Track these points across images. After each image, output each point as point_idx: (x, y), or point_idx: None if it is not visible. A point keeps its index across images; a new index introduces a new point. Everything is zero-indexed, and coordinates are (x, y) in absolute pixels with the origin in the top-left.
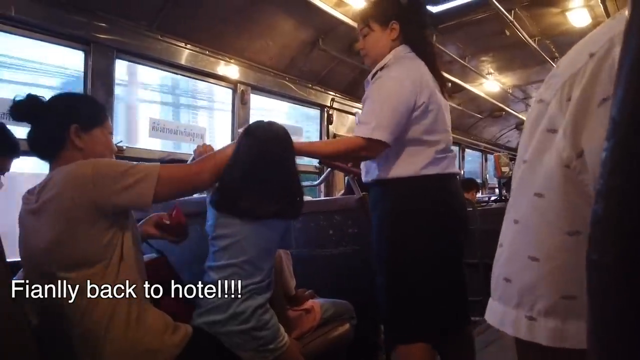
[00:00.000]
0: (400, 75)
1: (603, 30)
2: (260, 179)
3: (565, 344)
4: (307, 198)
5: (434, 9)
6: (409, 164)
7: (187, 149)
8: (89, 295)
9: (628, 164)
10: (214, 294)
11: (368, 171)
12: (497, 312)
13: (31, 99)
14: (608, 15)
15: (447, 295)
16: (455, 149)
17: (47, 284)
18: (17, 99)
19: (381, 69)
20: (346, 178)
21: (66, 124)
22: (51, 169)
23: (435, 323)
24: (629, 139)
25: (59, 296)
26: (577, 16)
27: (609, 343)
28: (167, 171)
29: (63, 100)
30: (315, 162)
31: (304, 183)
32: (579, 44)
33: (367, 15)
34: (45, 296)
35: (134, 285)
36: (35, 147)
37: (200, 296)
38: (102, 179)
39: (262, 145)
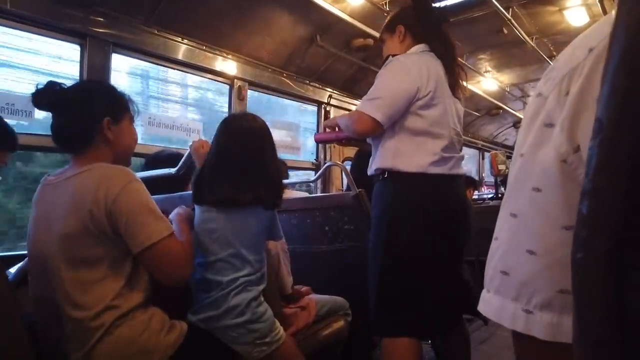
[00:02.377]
0: (407, 62)
1: (603, 26)
2: (233, 169)
3: (561, 338)
4: (303, 194)
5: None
6: (416, 158)
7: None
8: (87, 292)
9: (613, 163)
10: (206, 290)
11: (375, 161)
12: (494, 305)
13: (55, 85)
14: (605, 14)
15: (437, 294)
16: (460, 149)
17: (48, 277)
18: (40, 86)
19: (393, 56)
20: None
21: (99, 116)
22: (77, 160)
23: (421, 319)
24: (614, 138)
25: (57, 290)
26: (575, 15)
27: (594, 341)
28: (168, 245)
29: (92, 90)
30: (312, 158)
31: (301, 179)
32: (578, 39)
33: (381, 32)
34: (43, 290)
35: (133, 286)
36: (63, 139)
37: (194, 293)
38: (120, 205)
39: (235, 136)
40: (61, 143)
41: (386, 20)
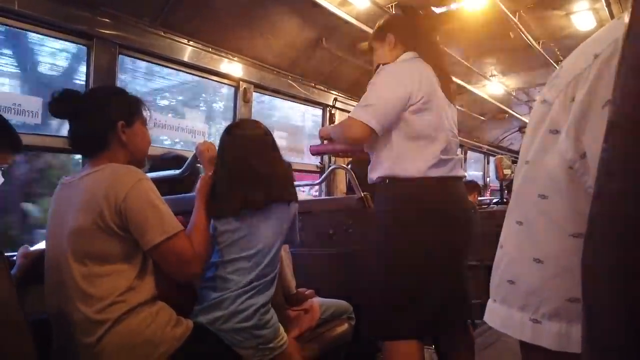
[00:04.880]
0: (397, 70)
1: (608, 31)
2: (245, 177)
3: (570, 349)
4: (307, 197)
5: (437, 10)
6: (416, 163)
7: None
8: (96, 286)
9: (624, 168)
10: (215, 289)
11: (375, 169)
12: (499, 315)
13: (71, 94)
14: (613, 18)
15: (438, 297)
16: (458, 150)
17: (61, 271)
18: (56, 94)
19: (384, 64)
20: (348, 178)
21: (113, 121)
22: (92, 162)
23: (423, 322)
24: (626, 142)
25: (68, 283)
26: (582, 19)
27: (602, 348)
28: (176, 243)
29: (105, 96)
30: (316, 161)
31: (305, 182)
32: (583, 45)
33: (369, 40)
34: (57, 284)
35: (142, 282)
36: (80, 144)
37: (201, 291)
38: (131, 203)
39: (242, 146)
40: (79, 148)
41: (375, 28)
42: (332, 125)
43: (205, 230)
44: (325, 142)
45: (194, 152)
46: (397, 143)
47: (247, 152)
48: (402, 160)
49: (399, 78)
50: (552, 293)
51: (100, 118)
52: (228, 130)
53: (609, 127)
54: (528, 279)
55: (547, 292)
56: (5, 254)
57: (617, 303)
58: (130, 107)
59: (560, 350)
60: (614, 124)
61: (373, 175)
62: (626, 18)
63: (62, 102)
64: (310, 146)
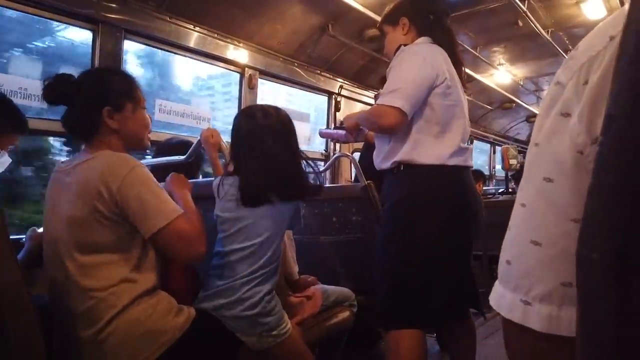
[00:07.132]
0: (420, 50)
1: (624, 14)
2: (265, 162)
3: (559, 331)
4: None
5: None
6: (436, 150)
7: None
8: (95, 276)
9: (622, 160)
10: (221, 277)
11: (388, 155)
12: (498, 293)
13: (60, 79)
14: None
15: (447, 285)
16: None
17: (59, 261)
18: (47, 81)
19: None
20: (352, 166)
21: (98, 107)
22: (86, 148)
23: (431, 311)
24: (624, 135)
25: (67, 274)
26: (592, 8)
27: (597, 341)
28: (178, 226)
29: (92, 80)
30: (321, 149)
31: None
32: (599, 26)
33: (380, 23)
34: (56, 274)
35: (141, 272)
36: (70, 129)
37: (207, 279)
38: (126, 192)
39: (266, 127)
40: (69, 132)
41: (386, 12)
42: (358, 113)
43: (197, 212)
44: (341, 128)
45: (199, 138)
46: (416, 128)
47: (273, 138)
48: (421, 146)
49: (424, 57)
50: (546, 276)
51: (85, 103)
52: (251, 116)
53: (607, 119)
54: (524, 260)
55: (541, 275)
56: (13, 237)
57: (612, 296)
58: (119, 91)
59: (548, 333)
60: (612, 117)
61: (385, 161)
62: (627, 6)
63: (53, 88)
64: (320, 130)
